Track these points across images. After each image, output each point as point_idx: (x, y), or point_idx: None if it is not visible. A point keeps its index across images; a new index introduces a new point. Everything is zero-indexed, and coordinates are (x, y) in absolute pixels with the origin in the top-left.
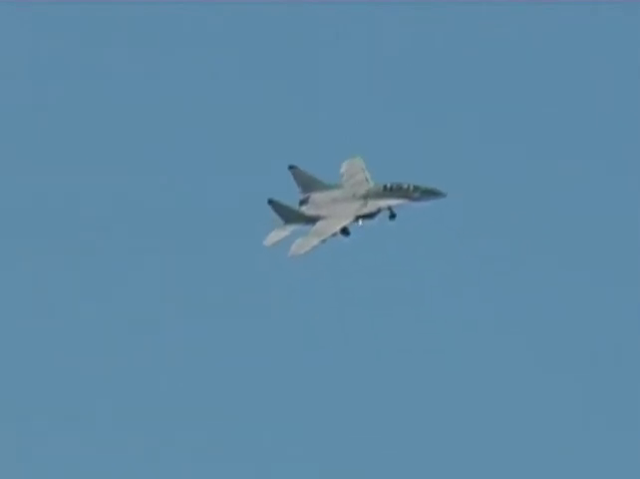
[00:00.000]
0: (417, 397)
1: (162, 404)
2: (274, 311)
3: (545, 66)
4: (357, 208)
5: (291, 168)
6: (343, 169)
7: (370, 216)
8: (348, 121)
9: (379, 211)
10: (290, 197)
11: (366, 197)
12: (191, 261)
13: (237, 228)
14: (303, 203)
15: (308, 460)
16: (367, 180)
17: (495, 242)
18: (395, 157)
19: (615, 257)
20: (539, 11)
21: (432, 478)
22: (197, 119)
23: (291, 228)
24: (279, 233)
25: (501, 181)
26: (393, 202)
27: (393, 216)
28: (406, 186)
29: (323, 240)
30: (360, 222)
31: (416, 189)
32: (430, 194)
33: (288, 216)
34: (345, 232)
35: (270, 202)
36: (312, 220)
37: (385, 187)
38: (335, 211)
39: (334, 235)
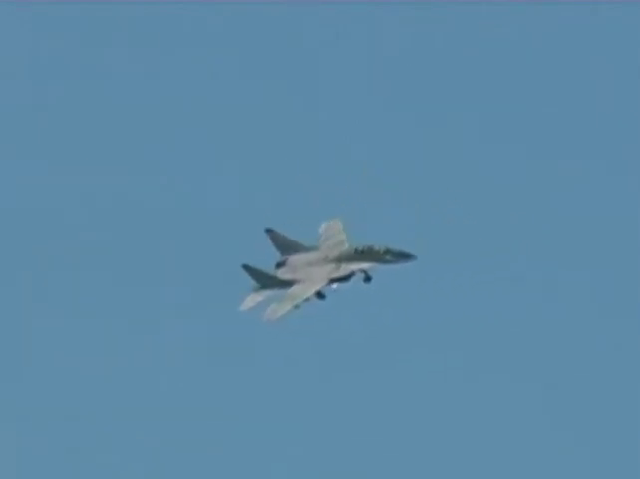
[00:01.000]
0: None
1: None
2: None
3: (545, 66)
4: (330, 271)
5: (268, 231)
6: (321, 229)
7: (343, 279)
8: (348, 121)
9: (352, 274)
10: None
11: (339, 260)
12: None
13: (213, 292)
14: (280, 265)
15: None
16: (343, 242)
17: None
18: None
19: (615, 257)
20: (539, 11)
21: None
22: (197, 119)
23: (266, 293)
24: (255, 297)
25: (501, 181)
26: (364, 265)
27: (368, 279)
28: (377, 248)
29: (296, 306)
30: (334, 285)
31: (387, 252)
32: (401, 257)
33: (263, 281)
34: (320, 296)
35: (245, 267)
36: (287, 284)
37: (356, 250)
38: (309, 275)
39: (307, 300)
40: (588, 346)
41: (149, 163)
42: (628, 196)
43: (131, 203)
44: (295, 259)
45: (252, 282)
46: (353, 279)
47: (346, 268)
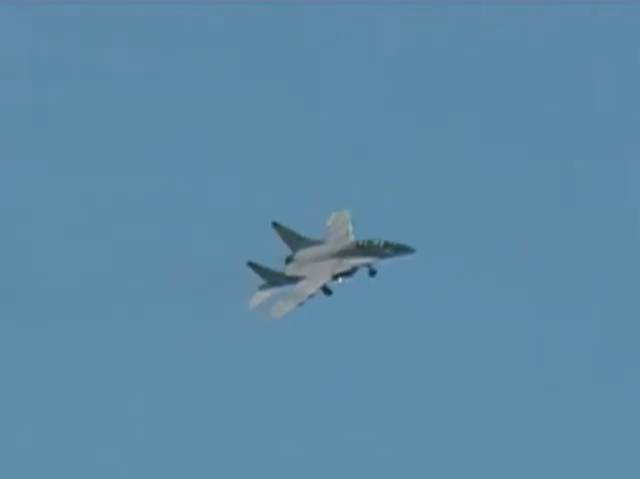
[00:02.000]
0: (401, 462)
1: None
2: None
3: (545, 66)
4: (333, 266)
5: (275, 225)
6: (330, 221)
7: (347, 273)
8: (348, 121)
9: (354, 268)
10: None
11: (341, 254)
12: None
13: (220, 290)
14: (289, 260)
15: None
16: (347, 235)
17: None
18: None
19: (615, 257)
20: (539, 11)
21: None
22: (197, 119)
23: (273, 289)
24: (262, 294)
25: (501, 181)
26: (364, 260)
27: (373, 272)
28: (377, 242)
29: (300, 303)
30: (340, 280)
31: (386, 245)
32: (400, 250)
33: (269, 277)
34: (327, 291)
35: (251, 264)
36: (293, 280)
37: (357, 244)
38: (314, 270)
39: (311, 296)
40: (588, 344)
41: (149, 163)
42: (628, 196)
43: (131, 202)
44: (302, 254)
45: (259, 279)
46: (358, 274)
47: (348, 263)
